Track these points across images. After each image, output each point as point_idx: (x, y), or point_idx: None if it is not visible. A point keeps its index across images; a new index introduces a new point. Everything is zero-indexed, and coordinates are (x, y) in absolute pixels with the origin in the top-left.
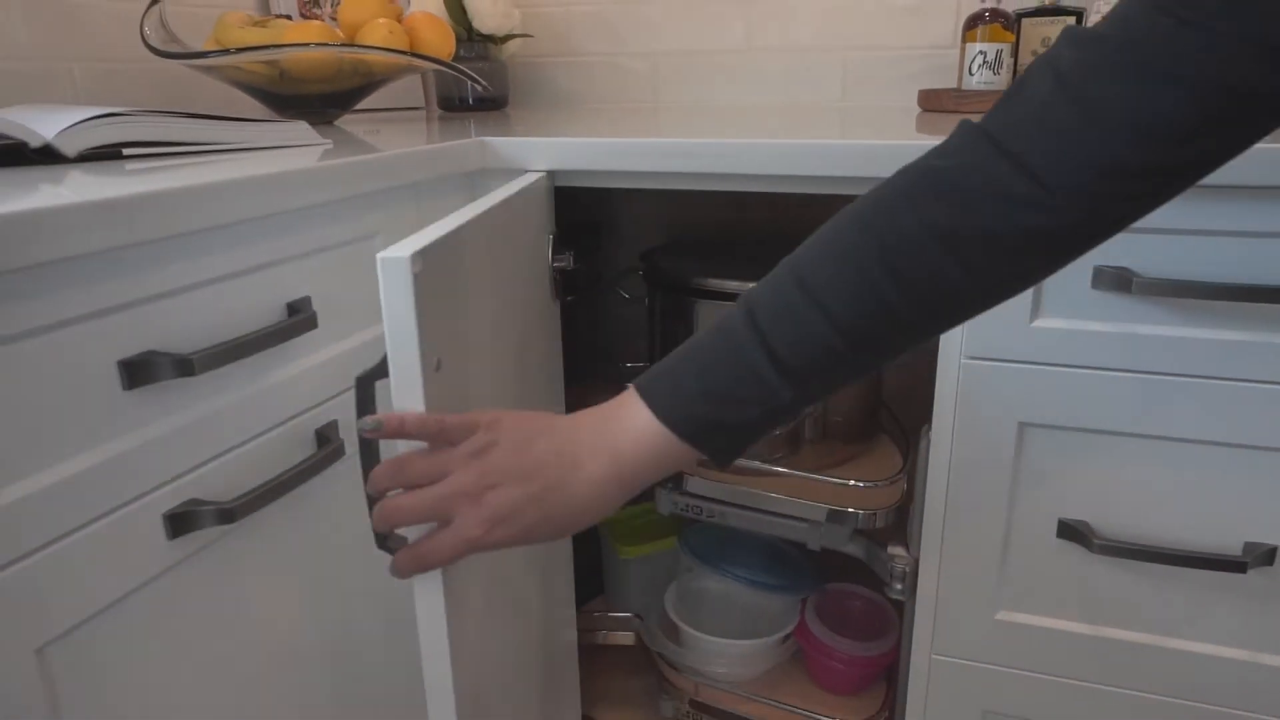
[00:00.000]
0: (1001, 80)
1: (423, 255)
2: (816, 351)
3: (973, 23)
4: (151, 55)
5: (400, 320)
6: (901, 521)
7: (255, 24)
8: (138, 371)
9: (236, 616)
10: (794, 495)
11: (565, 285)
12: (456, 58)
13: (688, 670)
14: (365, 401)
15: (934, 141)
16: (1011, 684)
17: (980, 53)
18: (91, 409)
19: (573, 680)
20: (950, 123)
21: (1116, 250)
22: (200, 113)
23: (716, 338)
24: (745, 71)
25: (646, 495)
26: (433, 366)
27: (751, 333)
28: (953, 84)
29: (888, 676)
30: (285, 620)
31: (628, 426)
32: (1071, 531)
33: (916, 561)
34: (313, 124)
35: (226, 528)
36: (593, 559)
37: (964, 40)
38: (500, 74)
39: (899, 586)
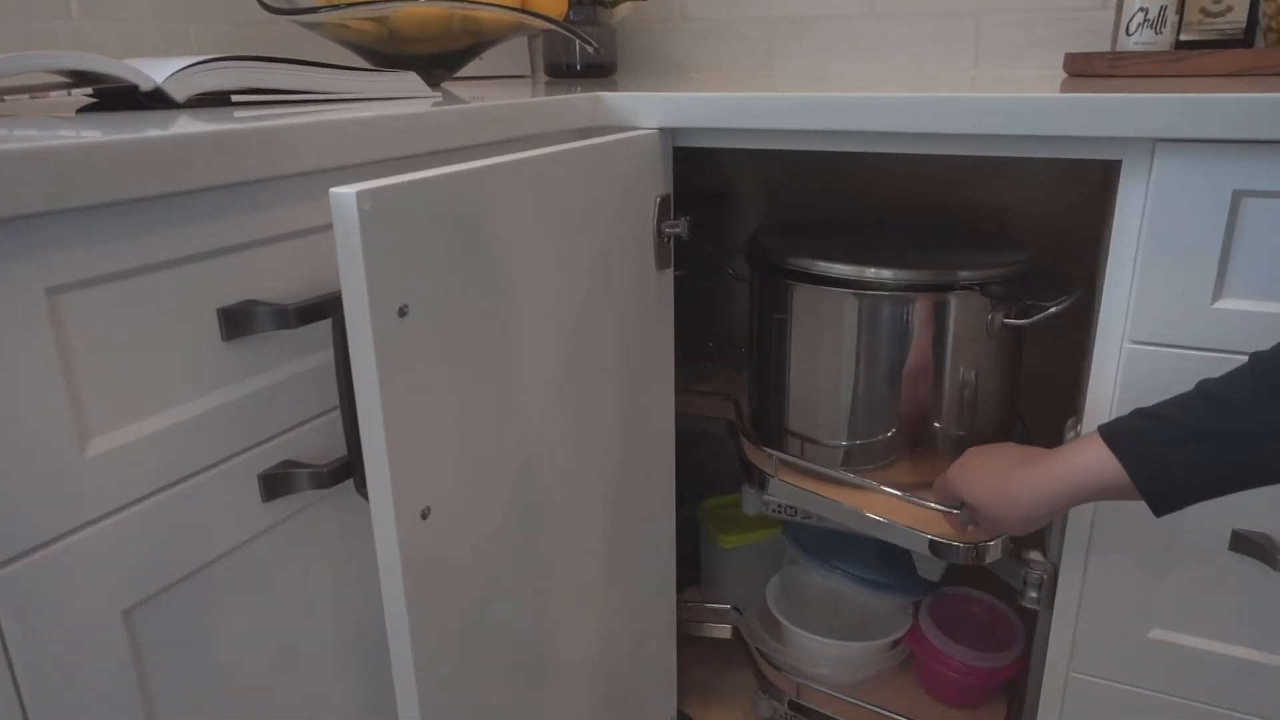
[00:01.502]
0: (1163, 40)
1: (374, 195)
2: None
3: None
4: (267, 17)
5: (350, 258)
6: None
7: None
8: (237, 321)
9: (329, 590)
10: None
11: (682, 256)
12: (566, 22)
13: (789, 669)
14: None
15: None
16: (1163, 712)
17: (1141, 9)
18: (190, 358)
19: (668, 673)
20: (1103, 88)
21: None
22: (312, 60)
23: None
24: (866, 37)
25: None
26: (393, 310)
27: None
28: (1104, 47)
29: (1009, 691)
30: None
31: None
32: (1248, 545)
33: (1056, 569)
34: None
35: (322, 493)
36: (689, 547)
37: None
38: (609, 40)
39: (1033, 595)
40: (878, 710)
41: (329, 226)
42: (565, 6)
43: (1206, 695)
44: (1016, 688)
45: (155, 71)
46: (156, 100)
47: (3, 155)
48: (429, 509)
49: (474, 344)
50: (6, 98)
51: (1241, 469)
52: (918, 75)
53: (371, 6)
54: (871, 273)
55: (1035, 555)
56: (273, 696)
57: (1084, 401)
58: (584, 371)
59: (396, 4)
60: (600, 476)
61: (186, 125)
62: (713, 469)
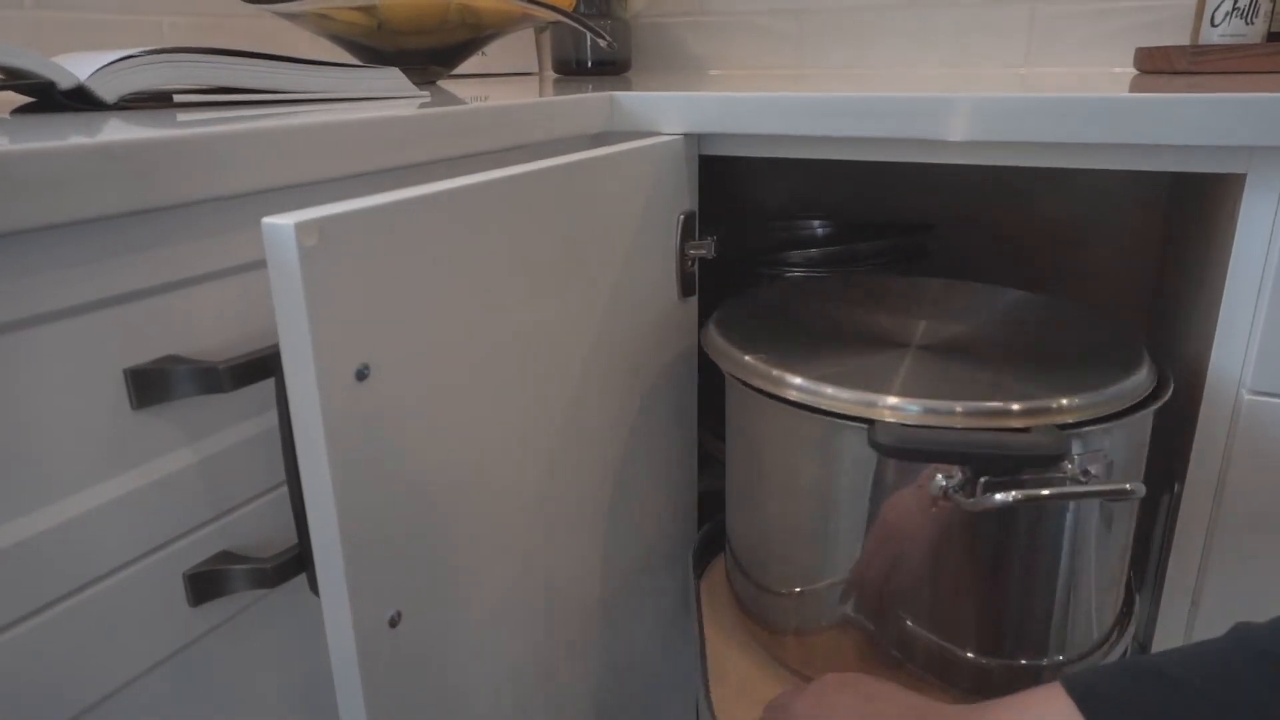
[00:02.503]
0: (1255, 32)
1: (320, 226)
2: None
3: None
4: (246, 8)
5: (290, 310)
6: None
7: None
8: (151, 384)
9: (276, 706)
10: None
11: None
12: (576, 14)
13: None
14: None
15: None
16: None
17: None
18: (91, 432)
19: None
20: (1182, 87)
21: None
22: (278, 54)
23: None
24: (908, 29)
25: None
26: (348, 372)
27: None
28: (1183, 40)
29: None
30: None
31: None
32: None
33: None
34: (414, 83)
35: (263, 593)
36: None
37: None
38: (623, 34)
39: None
40: None
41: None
42: None
43: None
44: None
45: (82, 66)
46: (81, 100)
47: None
48: (399, 615)
49: (456, 408)
50: None
51: None
52: (967, 74)
53: None
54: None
55: None
56: None
57: (1186, 465)
58: (594, 425)
59: None
60: (606, 541)
61: (80, 133)
62: None
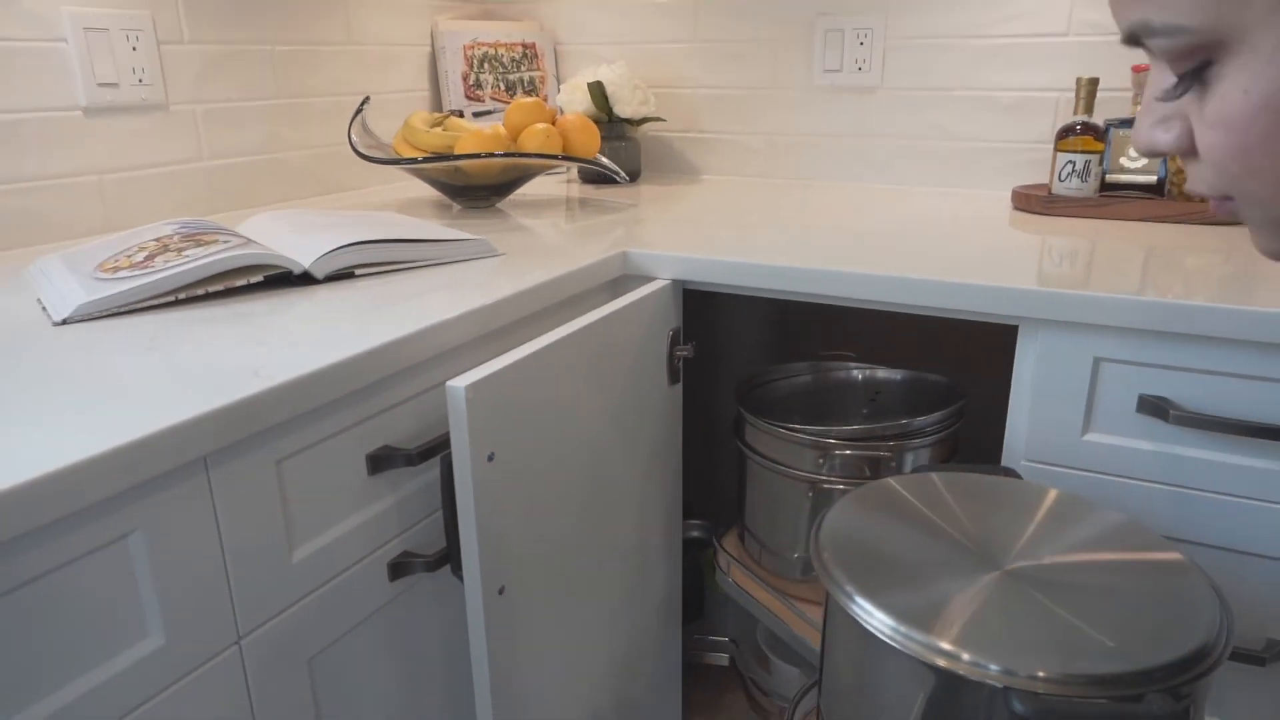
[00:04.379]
0: (1089, 188)
1: (475, 386)
2: None
3: (1065, 133)
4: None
5: (458, 426)
6: None
7: (436, 123)
8: (378, 461)
9: (436, 643)
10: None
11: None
12: (598, 161)
13: (774, 695)
14: None
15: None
16: None
17: (1069, 161)
18: (349, 489)
19: (674, 695)
20: (1042, 226)
21: (1159, 383)
22: (409, 237)
23: None
24: (851, 153)
25: None
26: (484, 458)
27: None
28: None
29: None
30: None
31: None
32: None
33: None
34: (478, 207)
35: (428, 574)
36: (695, 587)
37: (1056, 149)
38: (634, 151)
39: None
40: None
41: (435, 388)
42: (599, 143)
43: None
44: None
45: (301, 255)
46: (304, 279)
47: (276, 390)
48: (504, 588)
49: (539, 469)
50: (208, 289)
51: None
52: (894, 191)
53: (449, 160)
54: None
55: None
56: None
57: None
58: (615, 468)
59: (466, 158)
60: (624, 542)
61: (356, 341)
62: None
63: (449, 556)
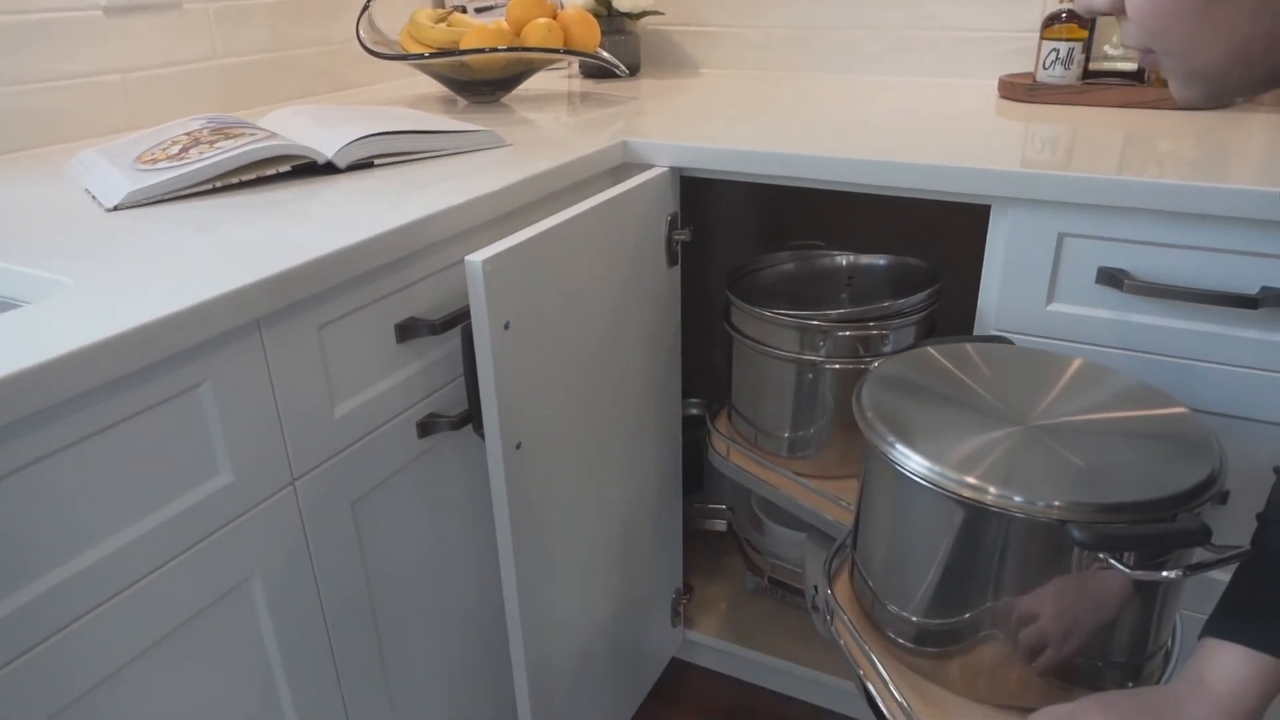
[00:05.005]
0: (1072, 75)
1: (492, 260)
2: None
3: (1050, 21)
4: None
5: (476, 297)
6: None
7: (440, 19)
8: (404, 331)
9: (458, 495)
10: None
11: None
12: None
13: (768, 554)
14: None
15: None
16: None
17: (1054, 49)
18: (378, 356)
19: (676, 555)
20: (1024, 113)
21: (1117, 256)
22: (422, 128)
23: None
24: (847, 45)
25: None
26: (501, 326)
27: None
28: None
29: None
30: (485, 505)
31: (1221, 678)
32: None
33: None
34: (483, 102)
35: (453, 433)
36: (694, 460)
37: (1041, 36)
38: (634, 45)
39: None
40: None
41: (454, 264)
42: (599, 37)
43: None
44: None
45: (323, 144)
46: (328, 169)
47: (315, 262)
48: (520, 444)
49: (550, 338)
50: (241, 178)
51: None
52: (885, 83)
53: (455, 55)
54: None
55: None
56: (431, 568)
57: None
58: (619, 344)
59: (472, 53)
60: (629, 414)
61: (384, 220)
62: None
63: (471, 417)
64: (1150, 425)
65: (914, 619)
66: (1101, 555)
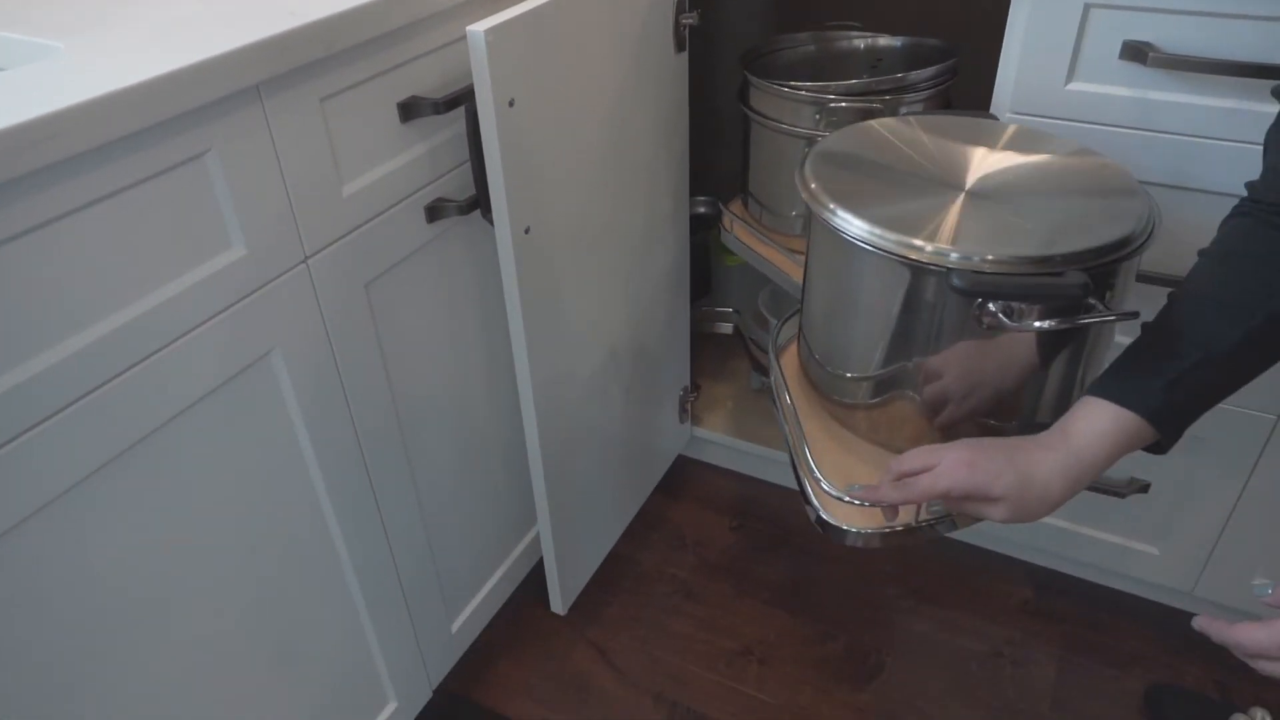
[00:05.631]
0: None
1: (495, 31)
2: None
3: None
4: None
5: (479, 71)
6: None
7: None
8: (408, 109)
9: (472, 280)
10: None
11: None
12: None
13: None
14: None
15: None
16: None
17: None
18: (384, 134)
19: (684, 355)
20: None
21: (1144, 27)
22: None
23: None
24: None
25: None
26: (505, 103)
27: (1162, 326)
28: None
29: None
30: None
31: (1081, 429)
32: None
33: None
34: None
35: (461, 218)
36: (702, 266)
37: None
38: None
39: None
40: None
41: (457, 40)
42: None
43: None
44: None
45: None
46: None
47: (303, 28)
48: (529, 228)
49: (556, 119)
50: None
51: (1217, 375)
52: None
53: None
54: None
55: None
56: (443, 346)
57: None
58: (626, 130)
59: None
60: (636, 207)
61: None
62: None
63: (479, 201)
64: (1086, 187)
65: (834, 371)
66: (984, 304)
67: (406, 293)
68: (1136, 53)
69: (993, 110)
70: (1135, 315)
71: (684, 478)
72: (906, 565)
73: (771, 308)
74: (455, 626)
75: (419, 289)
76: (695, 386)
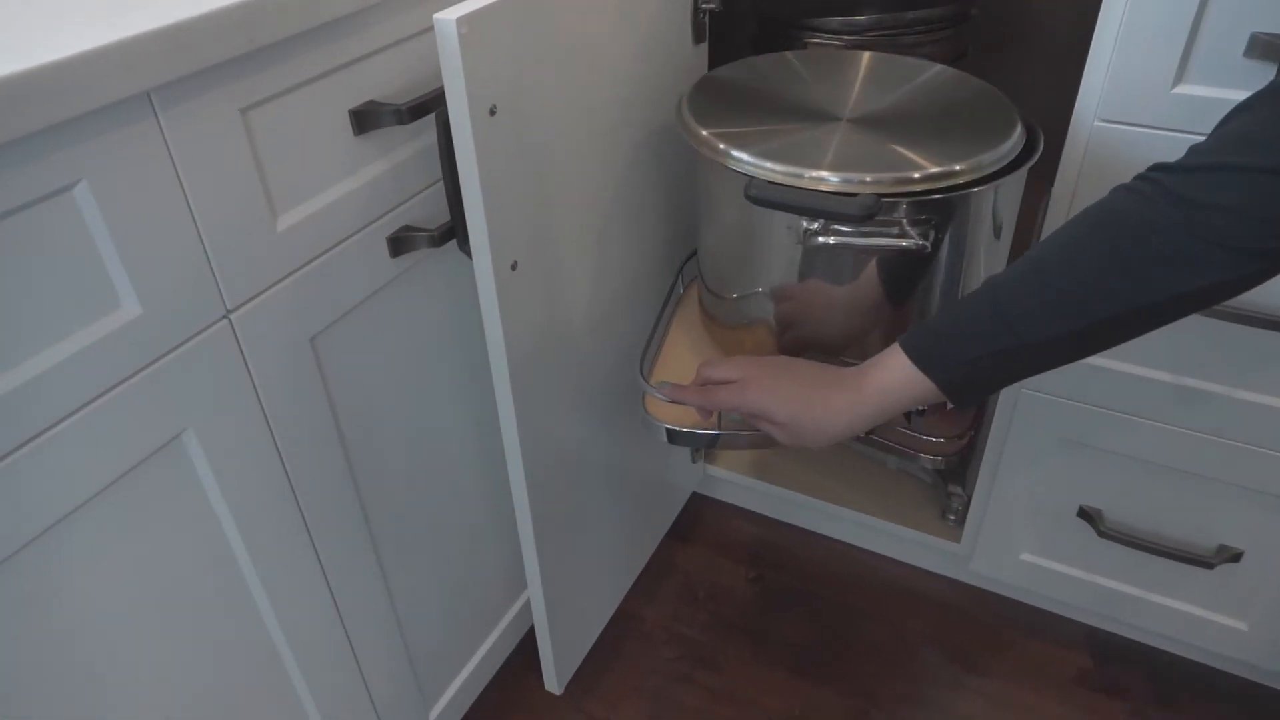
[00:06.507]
0: None
1: (470, 20)
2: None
3: None
4: None
5: (451, 71)
6: None
7: None
8: (364, 119)
9: (447, 324)
10: None
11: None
12: None
13: None
14: None
15: None
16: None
17: None
18: (333, 152)
19: None
20: None
21: (1278, 15)
22: None
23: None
24: None
25: None
26: (485, 111)
27: (987, 296)
28: None
29: None
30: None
31: (880, 376)
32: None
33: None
34: None
35: (434, 250)
36: None
37: None
38: None
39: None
40: None
41: (424, 31)
42: None
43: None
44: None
45: None
46: None
47: (213, 15)
48: (516, 263)
49: (550, 129)
50: None
51: (1025, 361)
52: None
53: None
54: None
55: (955, 489)
56: (412, 400)
57: (1057, 172)
58: (635, 141)
59: None
60: (648, 233)
61: None
62: None
63: (454, 230)
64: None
65: (716, 294)
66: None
67: (366, 341)
68: (1269, 49)
69: (1076, 115)
70: (924, 248)
71: (696, 518)
72: (947, 623)
73: None
74: (434, 715)
75: (382, 336)
76: None
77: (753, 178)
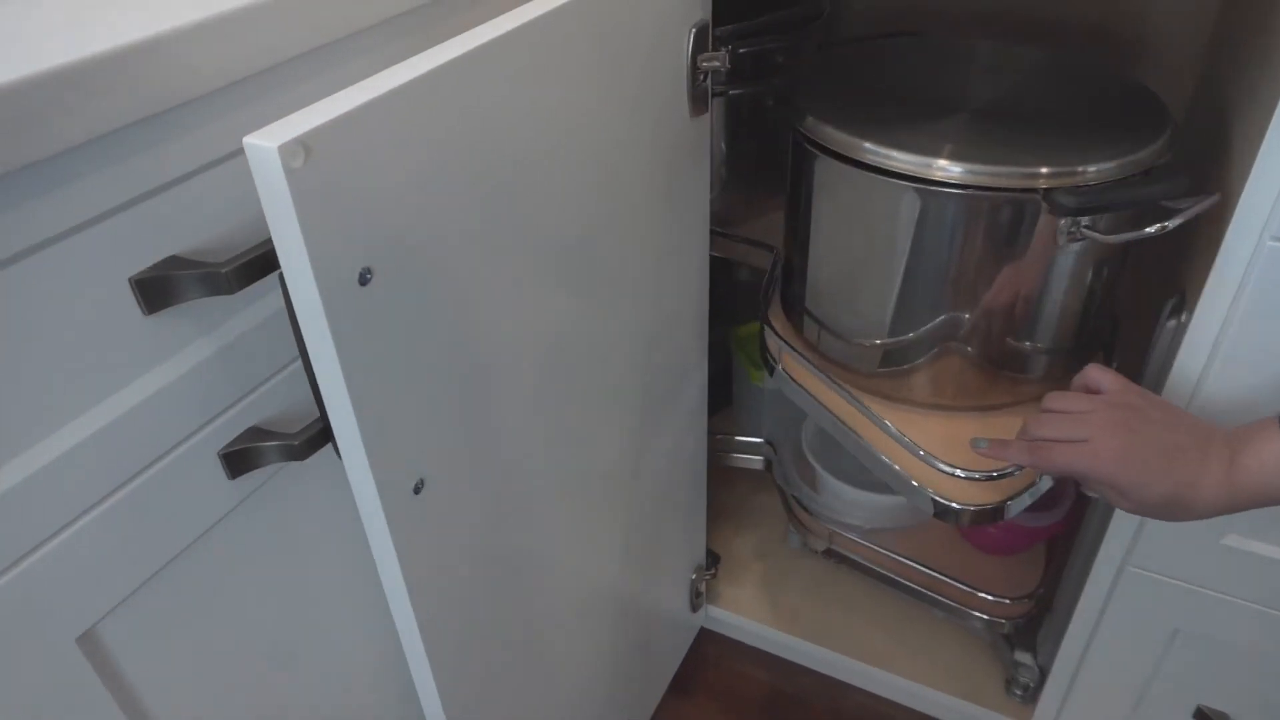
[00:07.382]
0: None
1: (304, 143)
2: None
3: None
4: None
5: (283, 228)
6: None
7: None
8: (157, 290)
9: (320, 563)
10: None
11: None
12: None
13: (821, 515)
14: None
15: None
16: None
17: None
18: (108, 344)
19: (698, 530)
20: None
21: None
22: None
23: None
24: None
25: None
26: (350, 279)
27: None
28: None
29: (1049, 547)
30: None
31: (1258, 452)
32: None
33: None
34: None
35: (293, 465)
36: (719, 367)
37: None
38: None
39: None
40: (908, 562)
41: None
42: None
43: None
44: (1056, 543)
45: None
46: None
47: None
48: (423, 482)
49: (473, 286)
50: None
51: None
52: None
53: None
54: (913, 161)
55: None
56: (282, 680)
57: (1198, 296)
58: (612, 262)
59: None
60: (629, 388)
61: (68, 39)
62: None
63: (327, 432)
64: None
65: (873, 341)
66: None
67: (195, 602)
68: None
69: (1236, 229)
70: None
71: (698, 662)
72: None
73: (818, 450)
74: None
75: (215, 593)
76: (712, 557)
77: (1055, 189)
